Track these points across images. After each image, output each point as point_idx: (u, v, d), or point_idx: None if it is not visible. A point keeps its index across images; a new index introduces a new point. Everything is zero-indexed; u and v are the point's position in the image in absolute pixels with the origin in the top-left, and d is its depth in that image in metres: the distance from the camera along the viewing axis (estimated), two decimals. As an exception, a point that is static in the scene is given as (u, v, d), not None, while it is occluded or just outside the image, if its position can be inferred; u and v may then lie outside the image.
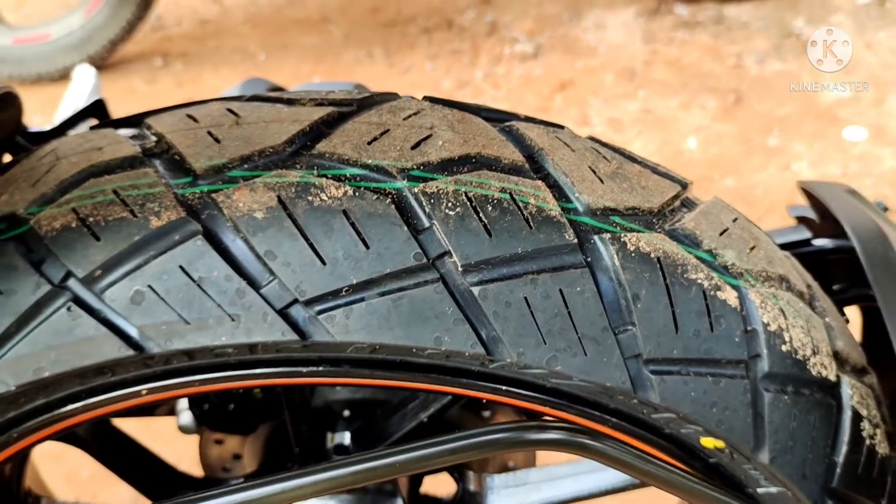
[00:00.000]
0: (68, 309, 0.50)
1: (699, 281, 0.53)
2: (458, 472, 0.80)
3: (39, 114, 2.72)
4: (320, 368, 0.54)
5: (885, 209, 0.71)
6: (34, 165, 0.55)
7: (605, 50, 2.71)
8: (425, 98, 0.59)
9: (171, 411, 0.87)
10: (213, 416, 0.82)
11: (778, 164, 2.20)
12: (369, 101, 0.56)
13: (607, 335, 0.51)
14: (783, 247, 0.76)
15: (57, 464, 1.48)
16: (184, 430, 0.86)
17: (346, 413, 0.86)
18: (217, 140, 0.52)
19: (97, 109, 0.82)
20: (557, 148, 0.55)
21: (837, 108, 2.37)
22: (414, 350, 0.52)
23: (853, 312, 0.74)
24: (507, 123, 0.57)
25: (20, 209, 0.52)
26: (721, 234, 0.57)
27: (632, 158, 0.59)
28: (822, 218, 0.70)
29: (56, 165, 0.54)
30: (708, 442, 0.59)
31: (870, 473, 0.63)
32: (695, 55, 2.64)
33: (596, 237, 0.52)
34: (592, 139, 0.60)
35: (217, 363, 0.53)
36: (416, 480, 0.89)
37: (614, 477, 0.78)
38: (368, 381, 0.55)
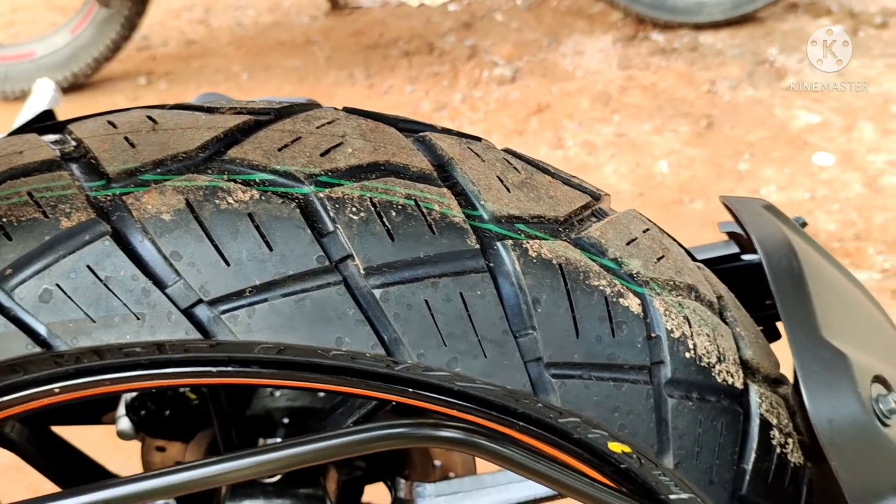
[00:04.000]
0: None
1: (601, 287, 0.55)
2: (390, 480, 0.81)
3: (20, 130, 2.74)
4: (229, 368, 0.55)
5: (804, 224, 0.73)
6: None
7: (582, 75, 2.75)
8: (345, 109, 0.60)
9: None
10: (150, 422, 0.83)
11: (747, 189, 2.23)
12: (287, 111, 0.58)
13: (508, 338, 0.53)
14: (711, 261, 0.78)
15: (21, 475, 1.48)
16: (122, 436, 0.87)
17: (286, 420, 0.87)
18: (132, 145, 0.54)
19: (46, 119, 0.84)
20: (467, 158, 0.57)
21: (807, 134, 2.41)
22: (320, 351, 0.53)
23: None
24: (421, 134, 0.58)
25: None
26: (628, 243, 0.58)
27: (545, 170, 0.61)
28: (748, 234, 0.72)
29: None
30: (615, 447, 0.61)
31: (781, 482, 0.64)
32: (669, 81, 2.68)
33: (499, 243, 0.54)
34: (508, 151, 0.61)
35: (128, 363, 0.55)
36: (353, 490, 0.90)
37: (545, 487, 0.79)
38: (276, 381, 0.57)
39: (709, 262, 0.76)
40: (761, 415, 0.61)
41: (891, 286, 1.93)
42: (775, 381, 0.66)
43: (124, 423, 0.84)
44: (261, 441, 0.79)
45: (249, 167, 0.53)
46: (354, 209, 0.52)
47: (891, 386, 0.57)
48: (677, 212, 2.16)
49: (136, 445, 0.91)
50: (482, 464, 0.95)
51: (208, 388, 0.74)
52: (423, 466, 0.93)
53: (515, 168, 0.59)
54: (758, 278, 0.79)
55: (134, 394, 0.82)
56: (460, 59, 2.88)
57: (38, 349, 0.51)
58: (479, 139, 0.62)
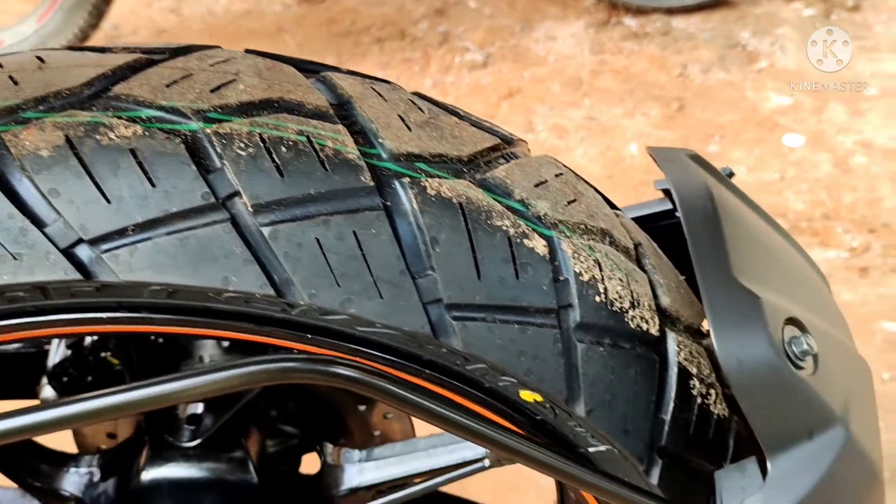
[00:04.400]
0: (224, 230, 0.48)
1: (504, 228, 0.53)
2: (318, 446, 0.79)
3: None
4: (119, 314, 0.53)
5: (731, 174, 0.72)
6: (207, 68, 0.55)
7: (554, 60, 2.74)
8: (246, 50, 0.59)
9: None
10: (73, 389, 0.81)
11: (717, 170, 2.22)
12: (183, 50, 0.56)
13: (405, 279, 0.51)
14: (645, 219, 0.76)
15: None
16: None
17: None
18: (15, 83, 0.52)
19: None
20: (368, 97, 0.55)
21: (778, 116, 2.41)
22: (212, 294, 0.51)
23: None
24: (322, 73, 0.57)
25: (199, 106, 0.51)
26: (537, 185, 0.57)
27: (454, 112, 0.59)
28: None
29: (236, 80, 0.53)
30: (527, 395, 0.59)
31: (704, 434, 0.63)
32: (641, 65, 2.67)
33: (396, 182, 0.52)
34: (416, 94, 0.60)
35: (11, 310, 0.53)
36: (289, 459, 0.88)
37: (474, 451, 0.77)
38: (168, 328, 0.55)
39: (642, 220, 0.75)
40: (679, 363, 0.60)
41: (858, 264, 1.93)
42: (698, 332, 0.64)
43: (47, 392, 0.82)
44: (180, 407, 0.77)
45: (135, 103, 0.51)
46: (242, 145, 0.50)
47: (805, 328, 0.56)
48: (646, 193, 2.14)
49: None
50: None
51: (121, 350, 0.72)
52: (362, 435, 0.91)
53: (420, 108, 0.57)
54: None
55: (56, 360, 0.80)
56: (432, 45, 2.86)
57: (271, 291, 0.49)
58: (387, 81, 0.60)
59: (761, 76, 2.59)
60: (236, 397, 0.76)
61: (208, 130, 0.50)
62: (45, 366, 0.81)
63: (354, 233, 0.50)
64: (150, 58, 0.55)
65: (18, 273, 0.48)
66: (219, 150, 0.50)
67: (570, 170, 0.63)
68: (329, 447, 0.78)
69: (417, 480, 0.74)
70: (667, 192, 0.82)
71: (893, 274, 1.89)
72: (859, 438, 0.54)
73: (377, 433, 0.91)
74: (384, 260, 0.51)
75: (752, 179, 2.18)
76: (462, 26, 2.97)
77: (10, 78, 0.52)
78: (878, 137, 2.32)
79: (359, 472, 0.76)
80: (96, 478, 0.80)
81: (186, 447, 0.74)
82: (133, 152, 0.49)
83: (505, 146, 0.59)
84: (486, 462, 0.70)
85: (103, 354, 0.80)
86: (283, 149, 0.50)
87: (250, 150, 0.50)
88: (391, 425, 0.90)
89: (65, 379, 0.80)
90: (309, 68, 0.57)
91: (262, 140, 0.50)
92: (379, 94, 0.56)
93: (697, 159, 0.68)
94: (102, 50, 0.56)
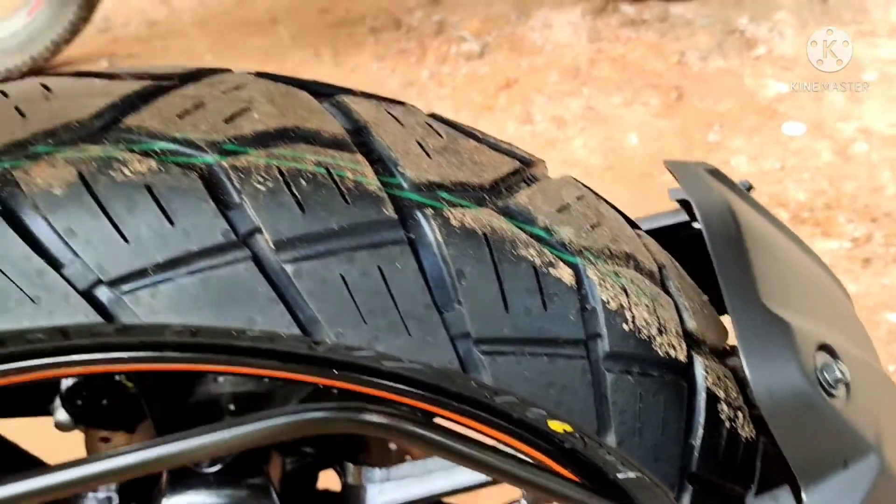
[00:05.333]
0: (245, 268, 0.47)
1: (530, 257, 0.52)
2: (339, 466, 0.78)
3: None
4: (142, 354, 0.52)
5: (750, 188, 0.70)
6: (220, 96, 0.53)
7: (552, 49, 2.71)
8: (257, 73, 0.57)
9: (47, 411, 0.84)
10: (87, 412, 0.79)
11: (717, 160, 2.21)
12: (192, 76, 0.54)
13: (432, 314, 0.50)
14: (661, 231, 0.75)
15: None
16: (61, 427, 0.83)
17: (232, 407, 0.84)
18: (23, 115, 0.50)
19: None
20: (385, 122, 0.54)
21: (777, 104, 2.39)
22: (235, 332, 0.50)
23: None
24: (336, 97, 0.55)
25: (214, 139, 0.49)
26: (560, 210, 0.55)
27: (471, 134, 0.57)
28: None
29: (251, 109, 0.52)
30: (556, 426, 0.58)
31: (733, 457, 0.62)
32: (639, 52, 2.65)
33: (419, 212, 0.50)
34: (433, 116, 0.58)
35: (33, 350, 0.51)
36: (305, 477, 0.87)
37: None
38: (192, 366, 0.53)
39: (658, 232, 0.74)
40: (708, 388, 0.59)
41: (861, 255, 1.93)
42: (723, 353, 0.63)
43: (61, 415, 0.80)
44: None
45: (147, 135, 0.49)
46: (261, 178, 0.48)
47: (837, 355, 0.55)
48: (648, 185, 2.13)
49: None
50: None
51: (136, 374, 0.70)
52: (379, 450, 0.90)
53: (438, 132, 0.55)
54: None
55: (69, 383, 0.79)
56: (428, 34, 2.83)
57: (296, 331, 0.47)
58: (401, 103, 0.58)
59: (760, 63, 2.57)
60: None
61: (225, 164, 0.48)
62: (59, 387, 0.80)
63: (379, 268, 0.49)
64: (160, 84, 0.53)
65: (37, 316, 0.47)
66: (237, 184, 0.48)
67: (591, 190, 0.61)
68: (350, 467, 0.77)
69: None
70: (682, 203, 0.80)
71: None
72: (894, 465, 0.53)
73: (394, 447, 0.89)
74: (410, 295, 0.49)
75: (753, 169, 2.17)
76: (457, 15, 2.94)
77: (17, 109, 0.51)
78: (878, 124, 2.31)
79: (380, 492, 0.75)
80: (115, 503, 0.79)
81: (207, 473, 0.72)
82: (149, 189, 0.47)
83: (525, 168, 0.58)
84: (523, 502, 0.70)
85: (117, 378, 0.78)
86: (303, 182, 0.49)
87: (269, 183, 0.48)
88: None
89: (78, 402, 0.78)
90: (322, 91, 0.55)
91: (281, 173, 0.49)
92: (395, 118, 0.55)
93: (717, 174, 0.66)
94: (111, 76, 0.54)
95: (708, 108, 2.40)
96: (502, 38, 2.78)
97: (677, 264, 0.64)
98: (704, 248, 0.75)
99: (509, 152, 0.57)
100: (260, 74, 0.57)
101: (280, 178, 0.48)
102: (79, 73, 0.55)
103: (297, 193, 0.48)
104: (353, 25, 2.95)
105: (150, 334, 0.50)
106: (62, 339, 0.49)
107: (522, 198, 0.54)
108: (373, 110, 0.54)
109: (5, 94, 0.52)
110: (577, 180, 0.61)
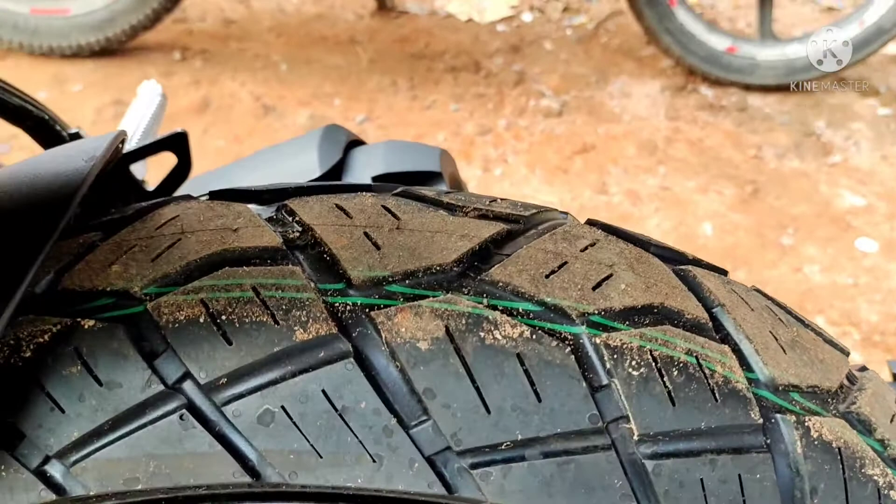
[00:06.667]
0: (181, 417, 0.43)
1: (875, 477, 0.48)
2: None
3: (46, 90, 2.61)
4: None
5: None
6: (152, 234, 0.48)
7: (629, 119, 2.70)
8: (588, 222, 0.53)
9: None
10: None
11: (790, 264, 2.19)
12: (536, 220, 0.51)
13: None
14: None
15: None
16: None
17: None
18: (377, 246, 0.46)
19: (178, 143, 0.75)
20: (737, 305, 0.50)
21: (851, 216, 2.38)
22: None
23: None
24: (682, 268, 0.51)
25: (136, 287, 0.45)
26: (892, 420, 0.52)
27: (800, 321, 0.54)
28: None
29: (181, 241, 0.47)
30: None
31: None
32: (716, 139, 2.64)
33: (778, 417, 0.47)
34: (759, 292, 0.55)
35: (324, 492, 0.47)
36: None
37: None
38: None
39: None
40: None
41: (928, 388, 1.91)
42: None
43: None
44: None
45: (514, 294, 0.45)
46: (634, 363, 0.45)
47: None
48: (721, 279, 2.11)
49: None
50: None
51: None
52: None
53: (782, 321, 0.52)
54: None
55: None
56: (507, 83, 2.81)
57: (245, 478, 0.43)
58: (724, 272, 0.55)
59: (835, 171, 2.57)
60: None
61: (597, 339, 0.45)
62: None
63: (739, 476, 0.45)
64: (510, 228, 0.49)
65: (375, 478, 0.43)
66: (608, 365, 0.44)
67: None
68: None
69: None
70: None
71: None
72: None
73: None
74: (762, 508, 0.46)
75: (826, 281, 2.15)
76: (537, 67, 2.93)
77: (368, 237, 0.47)
78: (949, 252, 2.31)
79: None
80: None
81: None
82: (520, 358, 0.43)
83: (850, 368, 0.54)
84: None
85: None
86: (675, 371, 0.45)
87: (642, 370, 0.45)
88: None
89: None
90: (665, 256, 0.52)
91: (654, 359, 0.45)
92: (742, 299, 0.51)
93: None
94: (450, 207, 0.50)
95: (783, 208, 2.39)
96: (581, 100, 2.76)
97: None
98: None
99: (833, 343, 0.54)
100: (591, 222, 0.53)
101: (653, 364, 0.45)
102: (409, 195, 0.51)
103: (668, 384, 0.45)
104: (431, 60, 2.92)
105: None
106: None
107: (864, 407, 0.50)
108: (723, 289, 0.51)
109: (346, 213, 0.48)
110: (881, 378, 0.57)
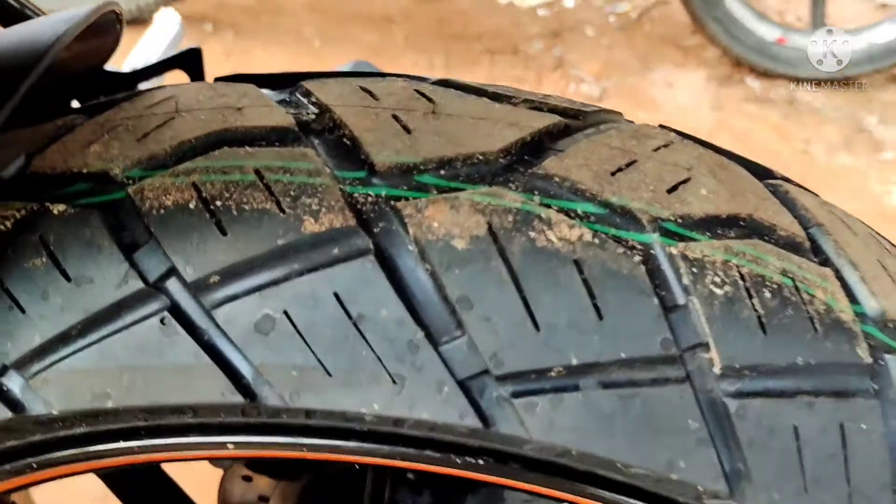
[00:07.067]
0: (162, 321, 0.35)
1: None
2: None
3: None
4: (478, 461, 0.40)
5: None
6: (142, 113, 0.41)
7: (672, 109, 2.60)
8: (660, 126, 0.45)
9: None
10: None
11: (840, 262, 2.08)
12: (598, 118, 0.43)
13: (885, 496, 0.37)
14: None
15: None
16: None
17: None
18: (407, 130, 0.38)
19: (191, 61, 0.68)
20: (838, 227, 0.42)
21: (905, 216, 2.26)
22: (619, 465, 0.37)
23: None
24: (772, 181, 0.43)
25: (116, 169, 0.37)
26: None
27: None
28: None
29: (175, 119, 0.39)
30: None
31: None
32: (764, 132, 2.53)
33: (888, 358, 0.38)
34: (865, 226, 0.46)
35: (335, 427, 0.39)
36: None
37: None
38: (538, 488, 0.41)
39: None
40: None
41: None
42: None
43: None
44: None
45: (571, 191, 0.37)
46: (718, 279, 0.36)
47: None
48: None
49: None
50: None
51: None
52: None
53: (888, 251, 0.43)
54: None
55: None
56: (546, 67, 2.73)
57: (237, 397, 0.36)
58: (817, 196, 0.47)
59: (887, 168, 2.45)
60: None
61: (672, 250, 0.36)
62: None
63: (841, 426, 0.37)
64: (568, 123, 0.41)
65: (394, 403, 0.35)
66: (686, 280, 0.36)
67: None
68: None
69: None
70: None
71: None
72: None
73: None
74: (868, 467, 0.37)
75: (877, 280, 2.04)
76: (577, 53, 2.84)
77: (397, 119, 0.39)
78: None
79: None
80: None
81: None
82: (579, 265, 0.35)
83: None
84: None
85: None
86: (767, 293, 0.37)
87: (727, 288, 0.36)
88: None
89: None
90: (751, 168, 0.44)
91: (742, 276, 0.37)
92: (844, 222, 0.43)
93: None
94: (496, 97, 0.42)
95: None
96: (623, 87, 2.67)
97: None
98: None
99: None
100: (664, 128, 0.45)
101: (740, 282, 0.36)
102: (449, 83, 0.43)
103: (758, 308, 0.36)
104: (468, 41, 2.85)
105: (505, 444, 0.37)
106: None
107: None
108: (820, 209, 0.42)
109: (372, 94, 0.41)
110: None
